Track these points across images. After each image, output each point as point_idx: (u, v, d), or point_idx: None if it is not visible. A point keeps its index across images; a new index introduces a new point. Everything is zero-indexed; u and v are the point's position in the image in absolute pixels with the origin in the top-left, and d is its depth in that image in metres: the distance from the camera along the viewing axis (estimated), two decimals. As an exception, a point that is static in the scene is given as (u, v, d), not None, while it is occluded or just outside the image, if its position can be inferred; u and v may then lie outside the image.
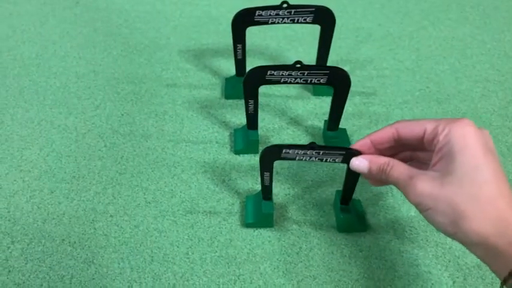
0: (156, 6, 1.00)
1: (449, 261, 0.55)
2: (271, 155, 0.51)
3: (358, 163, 0.48)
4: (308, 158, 0.50)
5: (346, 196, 0.57)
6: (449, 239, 0.57)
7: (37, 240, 0.57)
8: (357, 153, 0.48)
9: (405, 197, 0.43)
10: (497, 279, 0.53)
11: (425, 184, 0.40)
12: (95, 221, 0.59)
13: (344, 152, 0.49)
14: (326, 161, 0.50)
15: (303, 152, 0.50)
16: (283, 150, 0.50)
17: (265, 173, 0.54)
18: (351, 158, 0.48)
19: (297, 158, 0.51)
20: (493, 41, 0.91)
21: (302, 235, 0.58)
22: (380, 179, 0.46)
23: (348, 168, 0.51)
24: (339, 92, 0.62)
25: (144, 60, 0.85)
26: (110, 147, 0.69)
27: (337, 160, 0.50)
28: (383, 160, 0.46)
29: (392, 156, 0.48)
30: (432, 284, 0.53)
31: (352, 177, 0.54)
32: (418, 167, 0.44)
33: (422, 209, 0.41)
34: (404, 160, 0.47)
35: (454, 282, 0.53)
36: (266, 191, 0.57)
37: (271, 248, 0.57)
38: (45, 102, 0.76)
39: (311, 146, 0.49)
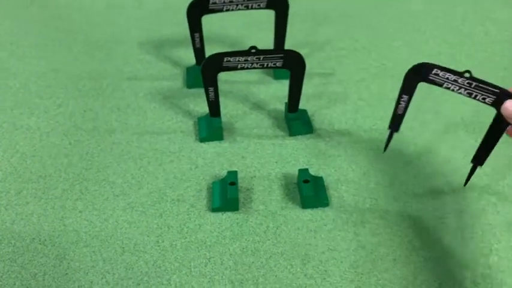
0: (115, 0, 1.00)
1: (409, 228, 0.58)
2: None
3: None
4: None
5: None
6: (408, 207, 0.60)
7: (7, 241, 0.58)
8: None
9: None
10: (454, 238, 0.57)
11: None
12: (64, 218, 0.60)
13: (498, 91, 0.42)
14: (475, 97, 0.44)
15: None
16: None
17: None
18: (503, 100, 0.41)
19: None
20: (445, 16, 0.94)
21: (269, 214, 0.60)
22: None
23: None
24: (295, 74, 0.64)
25: (104, 56, 0.85)
26: (75, 144, 0.69)
27: (486, 100, 0.43)
28: None
29: None
30: (394, 249, 0.56)
31: None
32: None
33: None
34: None
35: (413, 247, 0.56)
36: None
37: (240, 229, 0.59)
38: (5, 104, 0.76)
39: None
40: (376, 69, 0.81)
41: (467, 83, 0.46)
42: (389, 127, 0.55)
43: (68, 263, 0.55)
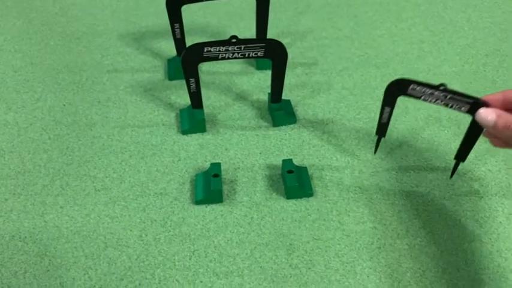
0: (92, -9, 0.98)
1: (393, 216, 0.58)
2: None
3: (485, 115, 0.45)
4: None
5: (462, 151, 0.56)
6: (391, 195, 0.60)
7: (-14, 240, 0.56)
8: (485, 104, 0.47)
9: None
10: (438, 225, 0.57)
11: None
12: (44, 214, 0.59)
13: (472, 101, 0.48)
14: (451, 107, 0.50)
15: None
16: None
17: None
18: (477, 108, 0.47)
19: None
20: (426, 3, 0.94)
21: (253, 206, 0.60)
22: (505, 136, 0.44)
23: (473, 122, 0.49)
24: (277, 63, 0.63)
25: (83, 48, 0.84)
26: (54, 139, 0.68)
27: (462, 109, 0.49)
28: None
29: None
30: (378, 238, 0.56)
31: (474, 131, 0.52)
32: None
33: None
34: None
35: (398, 235, 0.57)
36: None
37: (224, 221, 0.58)
38: (-19, 100, 0.74)
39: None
40: (359, 59, 0.81)
41: (443, 95, 0.50)
42: (376, 133, 0.59)
43: (50, 260, 0.54)
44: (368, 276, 0.53)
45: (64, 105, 0.73)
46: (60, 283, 0.52)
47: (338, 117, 0.71)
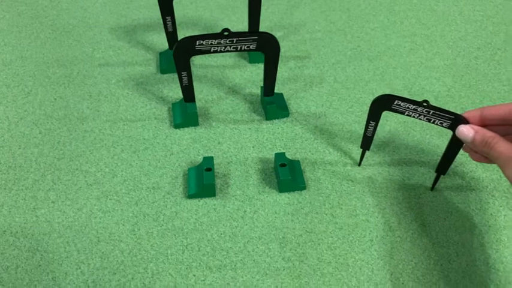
0: (82, -16, 0.97)
1: (385, 209, 0.59)
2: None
3: (465, 131, 0.48)
4: None
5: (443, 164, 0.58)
6: (384, 188, 0.61)
7: (-24, 235, 0.56)
8: (465, 121, 0.50)
9: (502, 172, 0.45)
10: (429, 217, 0.58)
11: None
12: (36, 209, 0.58)
13: (453, 117, 0.50)
14: (434, 122, 0.52)
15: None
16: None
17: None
18: (457, 124, 0.50)
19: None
20: (419, -4, 0.94)
21: (246, 199, 0.60)
22: (481, 151, 0.47)
23: (454, 136, 0.52)
24: (270, 56, 0.63)
25: (73, 42, 0.83)
26: (46, 133, 0.67)
27: (444, 125, 0.51)
28: (489, 133, 0.46)
29: None
30: (371, 231, 0.57)
31: (454, 147, 0.55)
32: None
33: None
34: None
35: (390, 228, 0.57)
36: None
37: (217, 215, 0.58)
38: (-29, 94, 0.73)
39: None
40: (352, 52, 0.81)
41: (426, 111, 0.52)
42: (361, 146, 0.61)
43: (41, 255, 0.54)
44: (360, 269, 0.53)
45: (55, 99, 0.72)
46: (52, 278, 0.52)
47: (331, 111, 0.71)
